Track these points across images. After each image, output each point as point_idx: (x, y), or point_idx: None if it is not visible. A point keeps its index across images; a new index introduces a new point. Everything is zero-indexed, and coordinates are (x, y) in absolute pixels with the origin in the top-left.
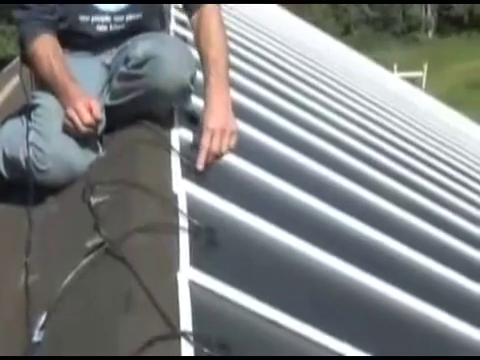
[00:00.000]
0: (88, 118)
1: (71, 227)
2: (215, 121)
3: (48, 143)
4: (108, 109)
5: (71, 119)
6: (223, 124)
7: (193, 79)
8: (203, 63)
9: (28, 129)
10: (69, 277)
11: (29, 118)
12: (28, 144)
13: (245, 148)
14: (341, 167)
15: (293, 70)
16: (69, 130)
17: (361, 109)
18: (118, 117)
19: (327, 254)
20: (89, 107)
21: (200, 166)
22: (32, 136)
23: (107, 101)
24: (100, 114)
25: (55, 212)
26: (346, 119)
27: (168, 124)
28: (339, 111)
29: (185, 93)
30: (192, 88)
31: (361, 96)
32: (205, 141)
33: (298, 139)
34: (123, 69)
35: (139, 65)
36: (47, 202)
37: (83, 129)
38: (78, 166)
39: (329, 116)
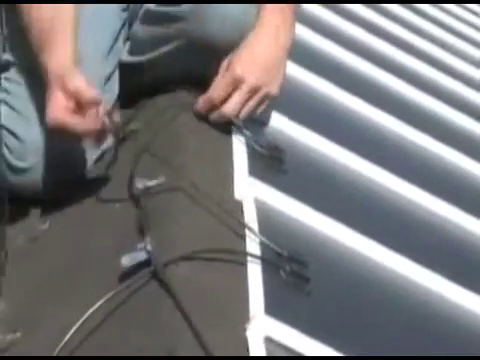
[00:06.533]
0: (90, 123)
1: (71, 252)
2: (247, 65)
3: (28, 126)
4: (126, 69)
5: (54, 120)
6: (257, 74)
7: None
8: None
9: None
10: (72, 331)
11: None
12: None
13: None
14: None
15: None
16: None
17: None
18: (142, 82)
19: None
20: (90, 98)
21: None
22: (4, 114)
23: (125, 56)
24: (108, 116)
25: (43, 231)
26: None
27: None
28: None
29: None
30: None
31: None
32: (219, 89)
33: None
34: (151, 6)
35: None
36: (31, 216)
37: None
38: (77, 163)
39: None
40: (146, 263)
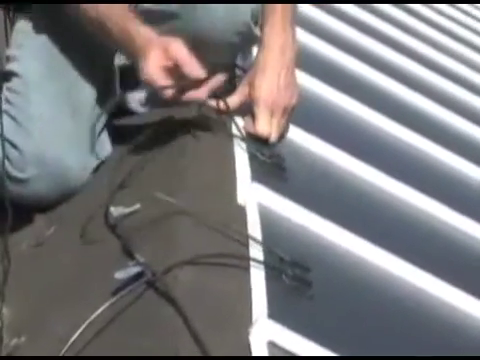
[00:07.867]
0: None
1: (76, 257)
2: (268, 88)
3: (28, 137)
4: (122, 72)
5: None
6: (282, 96)
7: (258, 18)
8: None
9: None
10: (77, 334)
11: (0, 94)
12: (1, 137)
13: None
14: None
15: None
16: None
17: None
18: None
19: None
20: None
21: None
22: (5, 125)
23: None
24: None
25: (48, 237)
26: None
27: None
28: None
29: (246, 42)
30: (257, 32)
31: None
32: (262, 121)
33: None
34: (144, 6)
35: None
36: (36, 222)
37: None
38: (76, 174)
39: None
40: (141, 275)
